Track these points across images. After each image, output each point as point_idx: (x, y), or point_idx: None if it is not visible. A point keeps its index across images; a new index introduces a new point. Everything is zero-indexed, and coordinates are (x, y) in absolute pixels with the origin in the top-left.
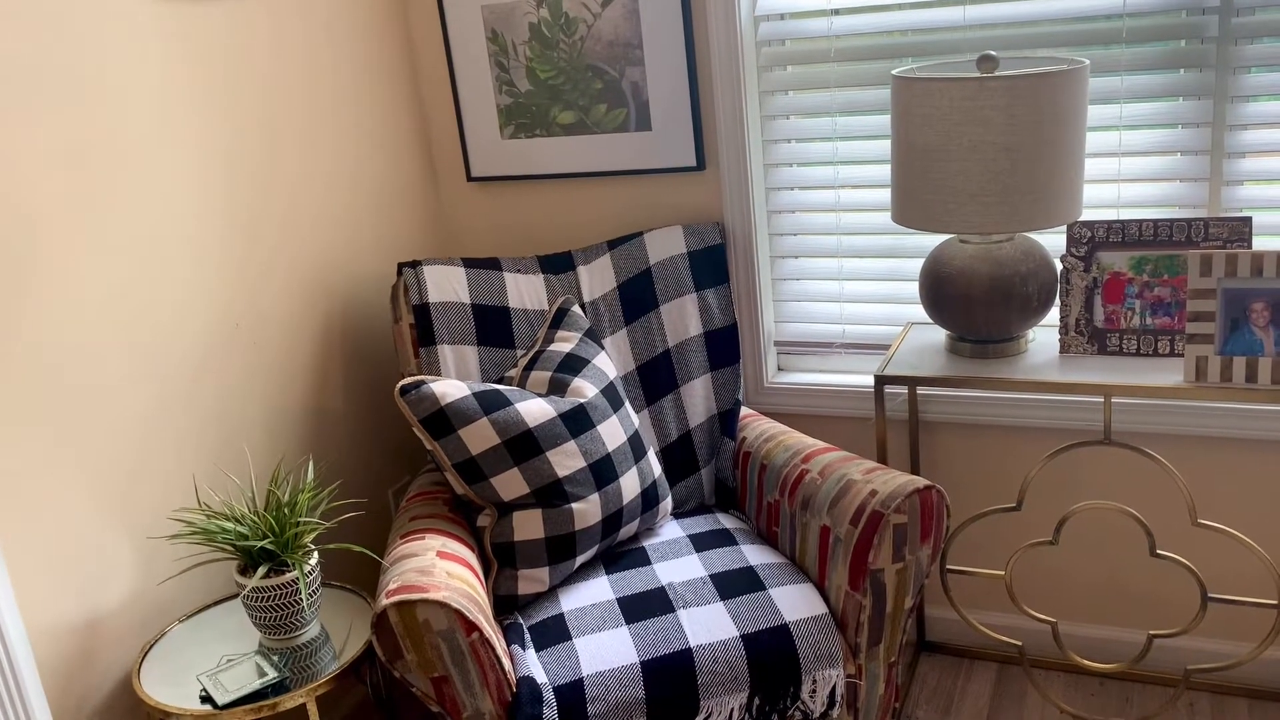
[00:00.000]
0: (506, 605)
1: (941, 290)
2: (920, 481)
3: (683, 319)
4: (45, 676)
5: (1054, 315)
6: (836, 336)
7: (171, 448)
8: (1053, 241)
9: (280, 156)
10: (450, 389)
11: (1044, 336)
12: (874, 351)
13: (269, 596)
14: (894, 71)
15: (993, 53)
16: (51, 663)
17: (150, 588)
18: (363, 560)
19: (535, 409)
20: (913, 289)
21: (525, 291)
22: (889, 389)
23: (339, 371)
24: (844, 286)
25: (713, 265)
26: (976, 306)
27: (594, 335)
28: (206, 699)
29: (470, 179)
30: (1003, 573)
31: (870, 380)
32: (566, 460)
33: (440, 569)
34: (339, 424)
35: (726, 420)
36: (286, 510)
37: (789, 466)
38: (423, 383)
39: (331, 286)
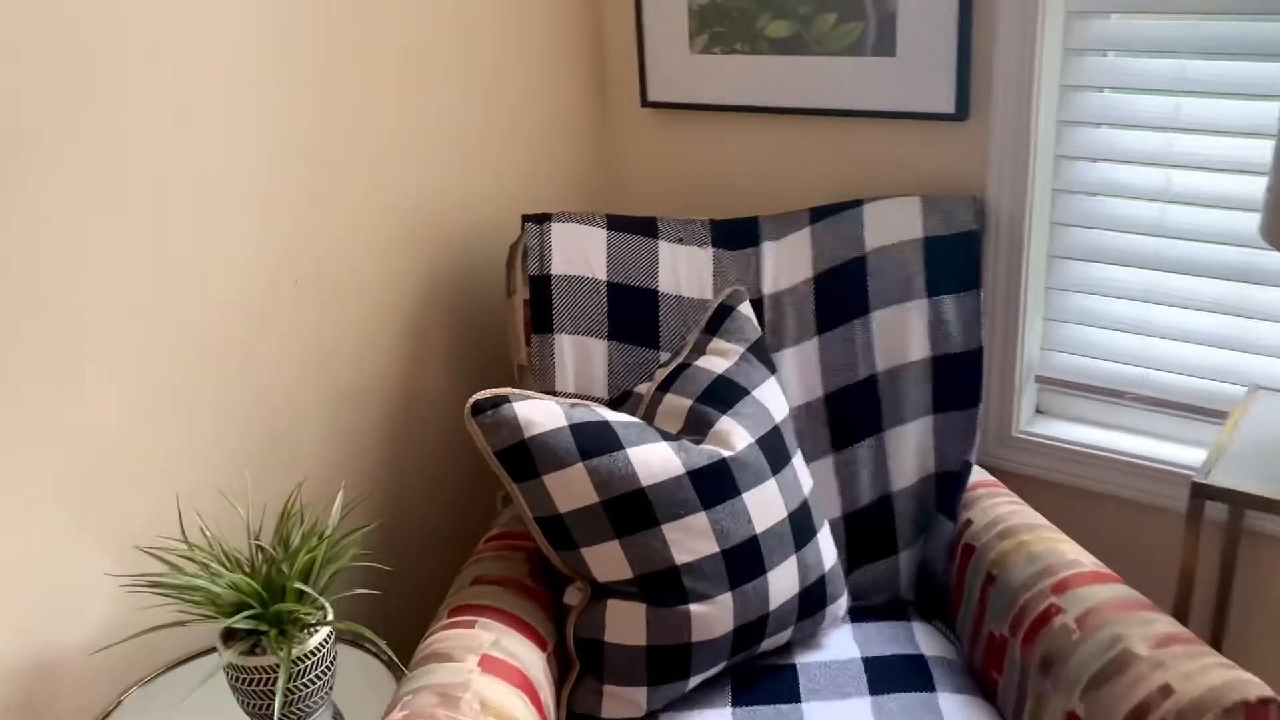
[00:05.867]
0: None
1: None
2: (1250, 687)
3: (903, 333)
4: None
5: None
6: (1133, 383)
7: (170, 453)
8: None
9: (379, 68)
10: (539, 415)
11: None
12: (1188, 415)
13: (252, 680)
14: None
15: None
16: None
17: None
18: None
19: (656, 459)
20: (1271, 334)
21: (684, 270)
22: (1210, 504)
23: (438, 349)
24: (1155, 312)
25: (959, 260)
26: None
27: (763, 350)
28: None
29: (645, 104)
30: None
31: (1177, 454)
32: (690, 541)
33: (473, 694)
34: (437, 412)
35: (947, 488)
36: (284, 568)
37: (1032, 592)
38: (504, 400)
39: (439, 240)
